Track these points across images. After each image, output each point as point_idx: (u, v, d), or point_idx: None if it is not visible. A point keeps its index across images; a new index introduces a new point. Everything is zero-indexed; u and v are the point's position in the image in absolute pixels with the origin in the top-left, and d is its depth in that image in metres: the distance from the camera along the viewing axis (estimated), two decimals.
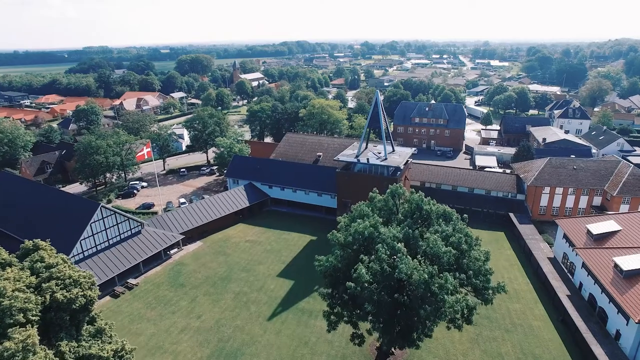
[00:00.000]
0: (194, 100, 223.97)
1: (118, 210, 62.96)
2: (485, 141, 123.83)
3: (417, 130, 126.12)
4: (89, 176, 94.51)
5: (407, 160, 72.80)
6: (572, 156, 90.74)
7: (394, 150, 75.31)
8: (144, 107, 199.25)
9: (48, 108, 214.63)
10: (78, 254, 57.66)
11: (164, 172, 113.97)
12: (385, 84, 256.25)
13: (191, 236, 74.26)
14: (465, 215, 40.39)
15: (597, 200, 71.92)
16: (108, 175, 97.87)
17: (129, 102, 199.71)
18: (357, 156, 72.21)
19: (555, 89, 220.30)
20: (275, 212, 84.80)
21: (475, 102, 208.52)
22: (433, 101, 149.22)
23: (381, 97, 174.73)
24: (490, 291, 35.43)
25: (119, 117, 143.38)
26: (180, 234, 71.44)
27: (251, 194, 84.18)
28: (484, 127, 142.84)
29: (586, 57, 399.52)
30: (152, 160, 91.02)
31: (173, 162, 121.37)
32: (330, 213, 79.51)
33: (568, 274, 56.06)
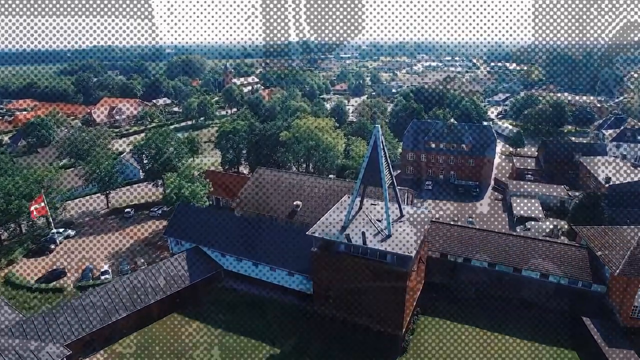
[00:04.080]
0: (177, 109, 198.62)
1: None
2: (519, 173, 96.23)
3: (432, 157, 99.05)
4: None
5: (423, 234, 46.45)
6: None
7: (402, 215, 48.93)
8: (117, 117, 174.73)
9: (12, 115, 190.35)
10: None
11: (106, 210, 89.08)
12: (394, 90, 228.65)
13: (92, 339, 48.89)
14: None
15: None
16: (13, 225, 72.63)
17: (100, 111, 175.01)
18: (344, 228, 46.01)
19: (592, 99, 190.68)
20: (228, 291, 58.89)
21: (497, 114, 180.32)
22: (452, 120, 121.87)
23: (388, 110, 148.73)
24: None
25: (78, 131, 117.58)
26: (70, 344, 46.16)
27: (196, 266, 58.44)
28: (514, 152, 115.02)
29: (612, 59, 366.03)
30: (47, 217, 66.08)
31: (125, 196, 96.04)
32: (305, 299, 53.62)
33: None
